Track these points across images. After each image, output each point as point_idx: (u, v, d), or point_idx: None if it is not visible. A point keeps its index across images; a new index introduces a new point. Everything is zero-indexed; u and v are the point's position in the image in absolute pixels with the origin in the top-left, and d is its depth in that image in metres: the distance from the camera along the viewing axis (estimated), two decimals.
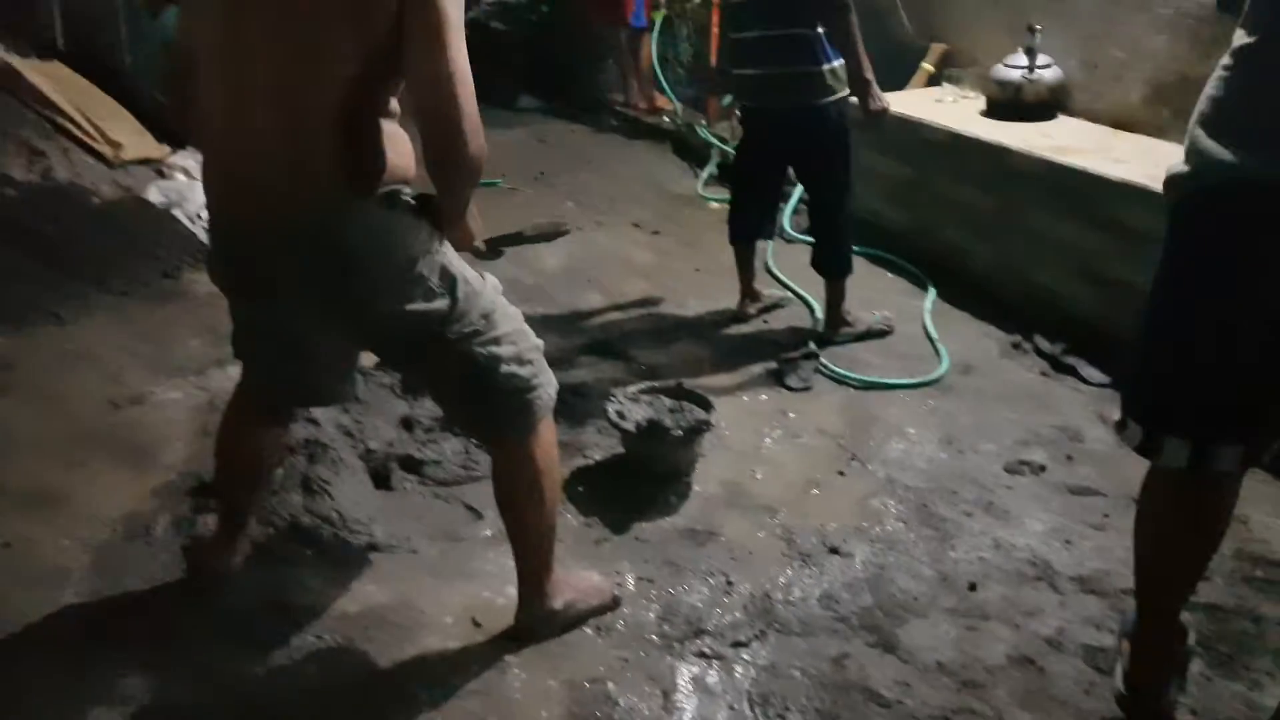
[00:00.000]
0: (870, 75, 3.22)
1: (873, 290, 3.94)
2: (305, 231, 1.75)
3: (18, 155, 4.03)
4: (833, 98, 3.29)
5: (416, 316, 1.82)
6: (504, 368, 1.93)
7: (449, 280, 1.86)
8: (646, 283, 4.12)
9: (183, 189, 4.32)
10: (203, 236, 4.36)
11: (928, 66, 4.65)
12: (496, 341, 1.92)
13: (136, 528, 2.54)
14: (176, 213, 4.33)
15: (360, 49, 1.65)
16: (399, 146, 1.77)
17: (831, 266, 3.53)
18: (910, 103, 4.21)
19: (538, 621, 2.15)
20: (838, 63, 3.26)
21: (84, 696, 2.02)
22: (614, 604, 2.25)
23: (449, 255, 1.89)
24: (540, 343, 2.05)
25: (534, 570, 2.14)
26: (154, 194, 4.33)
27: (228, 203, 1.85)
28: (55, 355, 3.41)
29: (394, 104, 1.76)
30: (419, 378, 2.04)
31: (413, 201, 1.82)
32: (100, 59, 6.05)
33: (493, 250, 2.12)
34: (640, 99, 6.35)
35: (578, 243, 4.51)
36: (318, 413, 2.82)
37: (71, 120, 4.27)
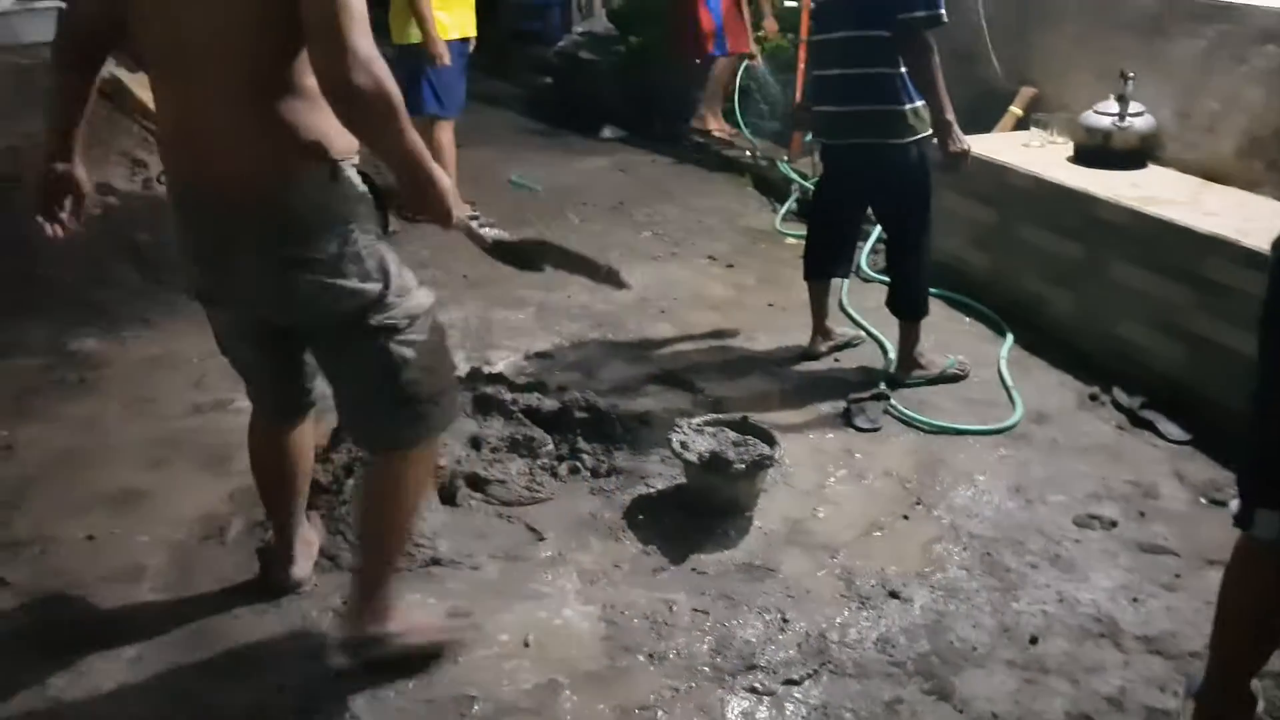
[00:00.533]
0: (951, 117, 3.20)
1: (948, 334, 3.90)
2: (249, 203, 1.79)
3: (120, 165, 4.22)
4: (913, 137, 3.27)
5: (344, 292, 1.85)
6: (409, 373, 1.95)
7: (383, 269, 1.90)
8: (718, 315, 4.13)
9: None
10: None
11: (1016, 110, 4.60)
12: (412, 345, 1.94)
13: (212, 529, 2.63)
14: None
15: (265, 16, 1.70)
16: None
17: (906, 308, 3.51)
18: (996, 146, 4.17)
19: (352, 640, 2.13)
20: (919, 102, 3.25)
21: (144, 691, 2.09)
22: (440, 651, 2.18)
23: (388, 247, 1.92)
24: (457, 370, 2.07)
25: (369, 585, 2.12)
26: None
27: (181, 187, 1.91)
28: (144, 359, 3.56)
29: None
30: (328, 363, 2.02)
31: (357, 178, 1.86)
32: None
33: (522, 258, 2.15)
34: (708, 121, 6.42)
35: (651, 273, 4.55)
36: None
37: None
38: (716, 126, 6.45)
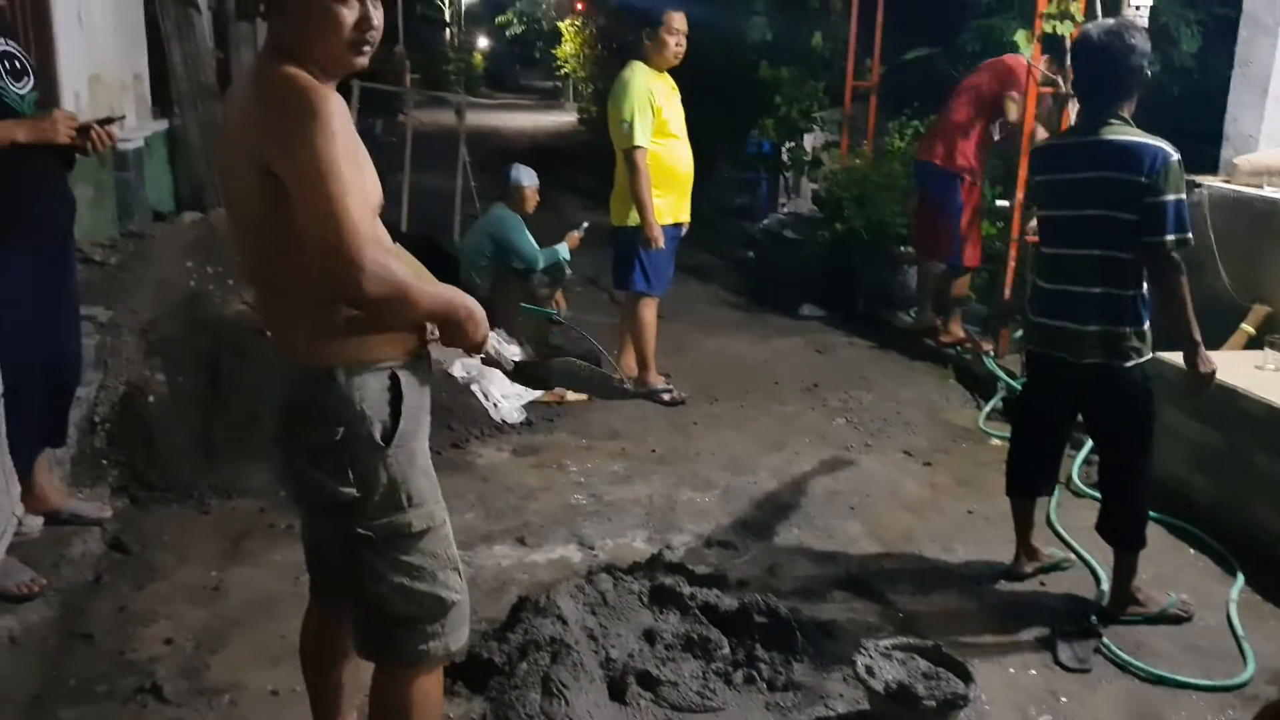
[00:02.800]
0: (1199, 337, 3.03)
1: (1170, 566, 3.58)
2: (276, 376, 1.94)
3: None
4: (1141, 359, 3.11)
5: (314, 486, 1.90)
6: (378, 587, 1.92)
7: (370, 479, 1.88)
8: (913, 518, 3.97)
9: (483, 368, 4.67)
10: (496, 416, 4.67)
11: (1248, 328, 4.33)
12: (389, 561, 1.91)
13: None
14: (475, 389, 4.69)
15: (267, 220, 1.78)
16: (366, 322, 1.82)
17: (1121, 536, 3.25)
18: (1226, 366, 3.86)
19: None
20: (1148, 323, 3.10)
21: None
22: None
23: (399, 461, 1.90)
24: (463, 599, 2.00)
25: None
26: (458, 369, 4.73)
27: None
28: None
29: None
30: (330, 548, 2.01)
31: (373, 385, 1.86)
32: (434, 238, 6.83)
33: (537, 378, 2.29)
34: (949, 333, 6.07)
35: (845, 464, 4.45)
36: (566, 611, 2.88)
37: None
38: (964, 336, 6.05)
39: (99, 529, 3.48)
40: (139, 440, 3.90)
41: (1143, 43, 3.05)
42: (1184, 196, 2.98)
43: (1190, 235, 2.99)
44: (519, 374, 2.27)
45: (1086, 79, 3.19)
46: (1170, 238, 2.95)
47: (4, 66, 3.08)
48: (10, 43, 3.14)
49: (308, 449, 1.90)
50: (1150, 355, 3.12)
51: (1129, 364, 3.09)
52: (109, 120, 3.26)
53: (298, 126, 1.69)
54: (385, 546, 1.92)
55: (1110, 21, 3.25)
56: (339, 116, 1.72)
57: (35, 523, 3.34)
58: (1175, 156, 2.97)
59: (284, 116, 1.70)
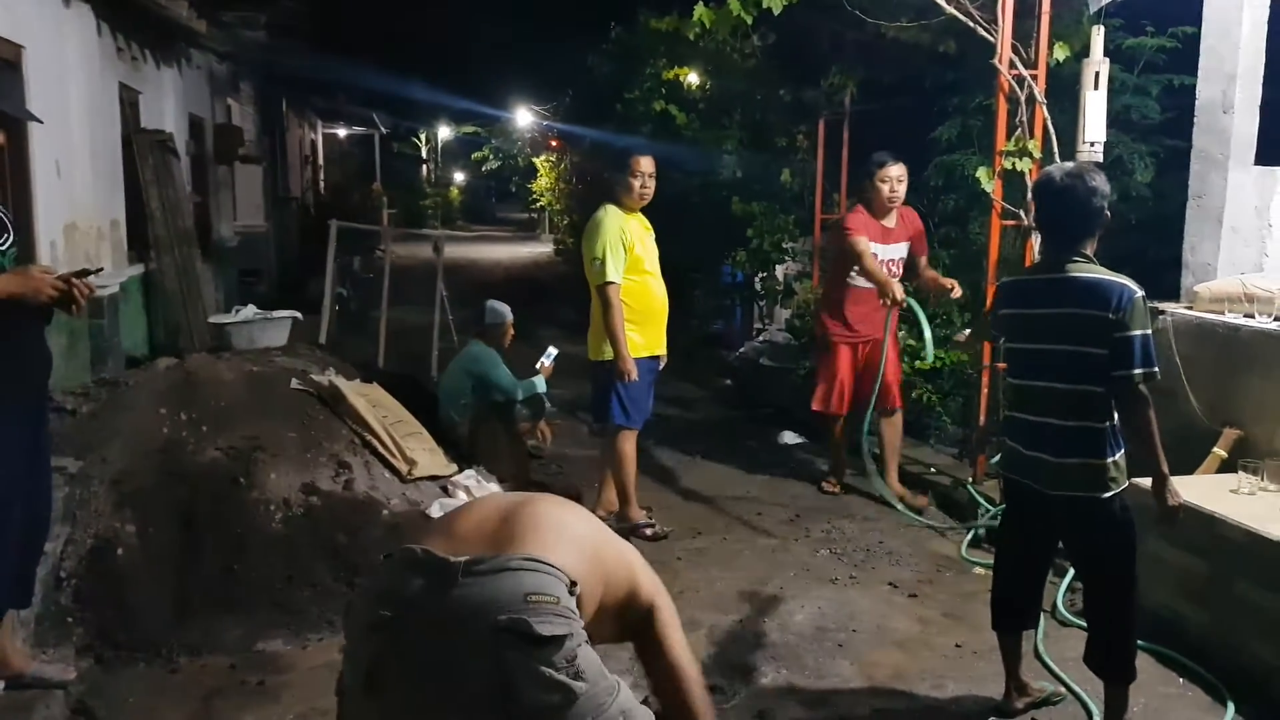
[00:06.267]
0: (1166, 469, 3.06)
1: (1159, 698, 3.52)
2: None
3: (327, 467, 4.50)
4: (1117, 490, 3.12)
5: None
6: None
7: None
8: (901, 654, 3.90)
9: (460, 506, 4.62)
10: None
11: (1220, 452, 4.36)
12: None
13: None
14: None
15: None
16: None
17: (1110, 668, 3.20)
18: (1202, 491, 3.91)
19: None
20: (1122, 453, 3.13)
21: None
22: None
23: None
24: None
25: None
26: (435, 509, 4.66)
27: None
28: (328, 665, 3.60)
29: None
30: None
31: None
32: (412, 375, 6.85)
33: None
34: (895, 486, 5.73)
35: (831, 599, 4.39)
36: None
37: (377, 437, 4.75)
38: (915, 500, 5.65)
39: (62, 692, 3.35)
40: (107, 596, 3.79)
41: (1103, 185, 3.15)
42: (1149, 332, 3.04)
43: (1156, 370, 3.04)
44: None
45: (1050, 219, 3.28)
46: (1137, 371, 3.00)
47: None
48: None
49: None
50: (1127, 484, 3.14)
51: (1107, 495, 3.11)
52: (86, 272, 3.22)
53: None
54: None
55: (1071, 165, 3.35)
56: None
57: None
58: (1140, 293, 3.03)
59: None
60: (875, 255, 5.48)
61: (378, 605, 1.94)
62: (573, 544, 2.03)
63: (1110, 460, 3.11)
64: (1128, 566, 3.17)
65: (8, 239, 3.17)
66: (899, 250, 5.65)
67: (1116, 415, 3.12)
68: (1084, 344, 3.08)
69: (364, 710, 1.96)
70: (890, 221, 5.62)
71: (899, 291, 5.27)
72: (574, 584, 1.94)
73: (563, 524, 2.08)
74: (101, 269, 3.85)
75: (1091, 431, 3.11)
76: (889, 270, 5.56)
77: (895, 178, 5.52)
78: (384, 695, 1.90)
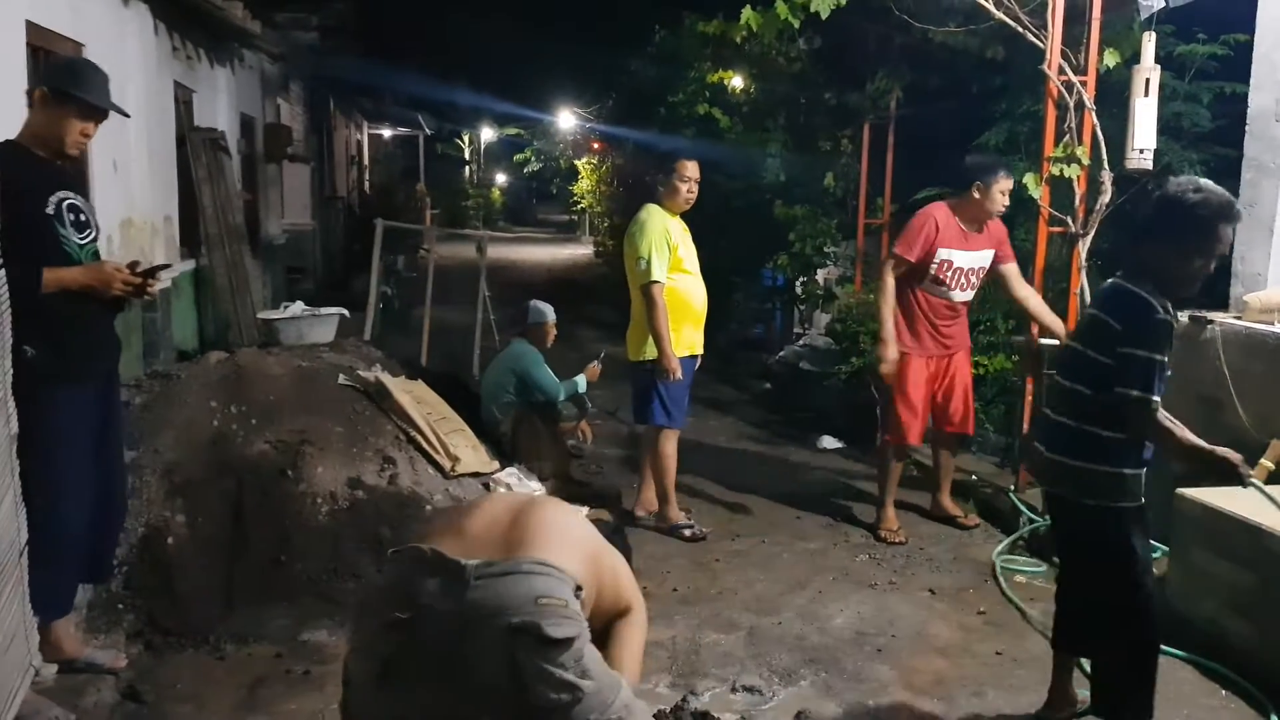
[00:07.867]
0: (1202, 441, 2.93)
1: (1202, 710, 3.48)
2: None
3: (372, 461, 4.56)
4: (1111, 503, 3.02)
5: None
6: None
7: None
8: (942, 661, 3.88)
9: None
10: None
11: (1268, 463, 4.26)
12: None
13: None
14: None
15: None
16: None
17: (1104, 709, 3.15)
18: (1249, 503, 3.85)
19: None
20: (1130, 470, 3.03)
21: None
22: None
23: None
24: None
25: None
26: None
27: None
28: None
29: None
30: None
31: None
32: (454, 375, 6.92)
33: None
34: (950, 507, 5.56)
35: (871, 603, 4.38)
36: None
37: (422, 433, 4.80)
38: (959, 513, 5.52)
39: (113, 677, 3.43)
40: (157, 584, 3.88)
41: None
42: (1160, 358, 2.88)
43: (1156, 399, 2.86)
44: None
45: (1157, 231, 3.00)
46: (1135, 394, 2.86)
47: (70, 219, 3.26)
48: (77, 196, 3.34)
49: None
50: (1126, 504, 3.04)
51: (1090, 501, 3.05)
52: (155, 270, 3.44)
53: None
54: None
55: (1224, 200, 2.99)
56: None
57: (49, 670, 3.32)
58: (1161, 315, 2.89)
59: None
60: (951, 261, 4.95)
61: (393, 606, 2.01)
62: (576, 548, 2.13)
63: (1092, 467, 3.03)
64: (1122, 594, 3.05)
65: (91, 234, 3.39)
66: (982, 258, 5.03)
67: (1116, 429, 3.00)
68: (1089, 346, 3.06)
69: (374, 701, 2.03)
70: (974, 225, 5.00)
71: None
72: (579, 587, 2.04)
73: (567, 528, 2.18)
74: (169, 265, 4.01)
75: (1077, 432, 3.06)
76: (968, 281, 5.02)
77: (1005, 190, 4.91)
78: (396, 690, 1.98)
